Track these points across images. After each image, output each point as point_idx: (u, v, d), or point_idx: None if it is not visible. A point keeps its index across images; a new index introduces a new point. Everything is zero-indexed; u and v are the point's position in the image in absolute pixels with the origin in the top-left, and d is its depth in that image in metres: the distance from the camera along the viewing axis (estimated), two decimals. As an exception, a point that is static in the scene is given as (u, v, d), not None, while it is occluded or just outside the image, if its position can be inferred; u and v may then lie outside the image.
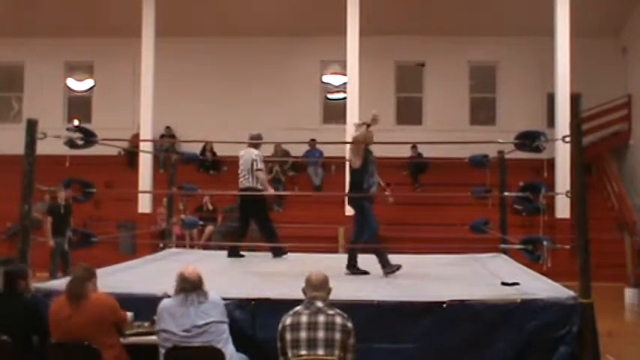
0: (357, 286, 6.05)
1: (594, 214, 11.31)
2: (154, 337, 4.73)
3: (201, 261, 8.09)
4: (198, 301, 4.62)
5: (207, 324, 4.58)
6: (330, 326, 4.23)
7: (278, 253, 8.54)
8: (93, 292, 4.71)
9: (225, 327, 4.70)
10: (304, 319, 4.27)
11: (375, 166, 6.95)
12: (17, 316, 4.56)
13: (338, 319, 4.27)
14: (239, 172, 8.58)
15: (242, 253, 8.70)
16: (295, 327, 4.26)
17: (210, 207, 14.63)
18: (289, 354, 4.24)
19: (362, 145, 6.80)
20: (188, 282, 4.66)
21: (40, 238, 9.28)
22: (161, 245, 9.93)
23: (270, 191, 8.58)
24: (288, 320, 4.32)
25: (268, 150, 15.54)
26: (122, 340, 4.75)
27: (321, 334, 4.21)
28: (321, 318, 4.26)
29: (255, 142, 8.65)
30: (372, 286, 6.17)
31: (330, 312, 4.31)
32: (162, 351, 4.56)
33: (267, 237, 8.69)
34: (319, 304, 4.33)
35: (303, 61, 17.59)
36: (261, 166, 8.46)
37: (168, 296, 4.79)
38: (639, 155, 16.01)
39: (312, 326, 4.23)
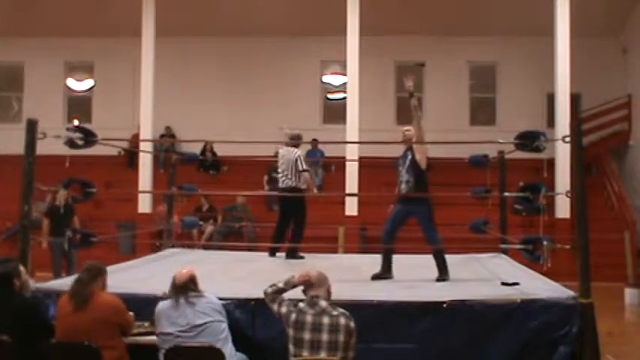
0: (357, 286, 6.05)
1: (594, 214, 11.30)
2: (153, 337, 4.73)
3: (201, 261, 8.10)
4: (193, 301, 4.63)
5: (205, 323, 4.59)
6: (334, 328, 4.22)
7: (293, 255, 8.48)
8: (100, 291, 4.71)
9: (224, 326, 4.71)
10: (309, 318, 4.26)
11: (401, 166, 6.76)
12: (16, 315, 4.55)
13: (342, 320, 4.26)
14: (280, 171, 8.57)
15: (302, 254, 8.59)
16: (299, 326, 4.25)
17: (207, 206, 14.63)
18: (291, 351, 4.24)
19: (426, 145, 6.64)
20: (181, 284, 4.67)
21: (39, 238, 9.30)
22: (157, 244, 9.94)
23: (315, 192, 8.51)
24: (292, 316, 4.31)
25: (270, 149, 15.54)
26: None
27: (324, 337, 4.20)
28: (326, 319, 4.24)
29: (296, 141, 8.69)
30: (372, 286, 6.17)
31: (335, 313, 4.29)
32: (162, 351, 4.57)
33: (295, 237, 8.63)
34: (323, 303, 4.32)
35: (303, 61, 17.59)
36: (306, 166, 8.45)
37: (168, 297, 4.79)
38: (639, 155, 16.01)
39: (317, 327, 4.22)
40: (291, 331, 4.27)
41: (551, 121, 15.20)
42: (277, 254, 8.69)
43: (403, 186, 6.65)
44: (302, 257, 8.48)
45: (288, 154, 8.50)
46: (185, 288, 4.67)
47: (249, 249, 11.58)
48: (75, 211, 11.05)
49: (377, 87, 16.69)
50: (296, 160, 8.40)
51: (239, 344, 4.81)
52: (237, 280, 6.62)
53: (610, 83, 16.49)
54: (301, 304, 4.36)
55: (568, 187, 9.21)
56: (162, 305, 4.69)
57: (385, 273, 6.59)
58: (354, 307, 4.79)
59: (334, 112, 17.46)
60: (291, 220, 8.65)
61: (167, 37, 15.17)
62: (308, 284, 4.45)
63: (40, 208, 11.49)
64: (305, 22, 16.44)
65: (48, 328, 4.68)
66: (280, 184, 8.56)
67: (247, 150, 8.96)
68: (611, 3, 16.06)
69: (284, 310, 4.42)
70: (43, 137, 5.83)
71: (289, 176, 8.43)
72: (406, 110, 6.89)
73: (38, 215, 10.69)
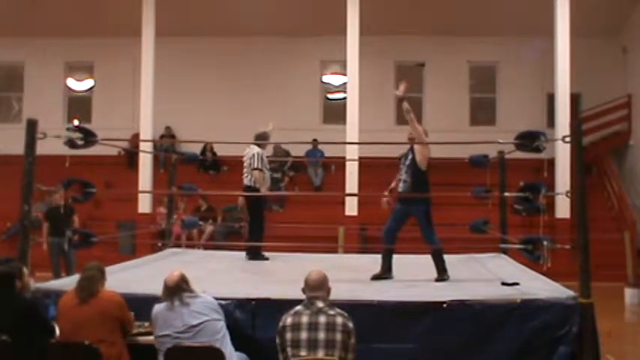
0: (357, 286, 6.05)
1: (594, 214, 11.29)
2: (153, 337, 4.73)
3: (201, 261, 8.11)
4: (186, 302, 4.62)
5: (201, 323, 4.59)
6: (330, 327, 4.22)
7: (253, 255, 8.46)
8: (102, 289, 4.78)
9: (221, 325, 4.70)
10: (305, 319, 4.26)
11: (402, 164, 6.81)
12: (16, 315, 4.55)
13: (339, 320, 4.26)
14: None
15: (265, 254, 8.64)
16: (296, 327, 4.25)
17: (205, 206, 14.63)
18: (289, 353, 4.23)
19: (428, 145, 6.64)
20: (173, 285, 4.66)
21: (39, 239, 9.29)
22: (159, 244, 9.94)
23: (263, 190, 8.49)
24: (288, 320, 4.31)
25: (271, 150, 15.55)
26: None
27: (321, 335, 4.20)
28: (322, 318, 4.25)
29: (258, 142, 8.62)
30: (372, 286, 6.17)
31: (331, 312, 4.30)
32: (161, 353, 4.56)
33: (249, 236, 8.68)
34: (320, 304, 4.32)
35: (303, 61, 17.59)
36: (258, 164, 8.41)
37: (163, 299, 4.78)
38: (639, 155, 16.01)
39: (313, 327, 4.22)
40: (289, 335, 4.25)
41: (551, 121, 15.20)
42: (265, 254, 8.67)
43: (401, 184, 6.71)
44: (266, 258, 8.46)
45: (249, 152, 8.55)
46: (178, 289, 4.65)
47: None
48: (75, 211, 11.04)
49: (377, 87, 16.69)
50: (250, 159, 8.44)
51: (239, 344, 4.81)
52: (237, 280, 6.62)
53: (610, 83, 16.49)
54: (297, 307, 4.36)
55: (568, 187, 9.20)
56: (157, 308, 4.68)
57: (385, 273, 6.60)
58: (354, 307, 4.80)
59: (334, 112, 17.47)
60: (252, 218, 8.66)
61: (167, 37, 15.17)
62: (307, 286, 4.43)
63: (39, 209, 11.48)
64: (305, 22, 16.43)
65: (48, 328, 4.70)
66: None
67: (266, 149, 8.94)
68: (611, 3, 16.06)
69: (281, 323, 4.37)
70: (43, 137, 5.83)
71: (246, 175, 8.51)
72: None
73: (38, 215, 10.69)
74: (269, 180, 8.81)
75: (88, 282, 4.72)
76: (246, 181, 8.53)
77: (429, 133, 6.97)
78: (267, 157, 8.99)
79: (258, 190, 8.44)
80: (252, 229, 8.67)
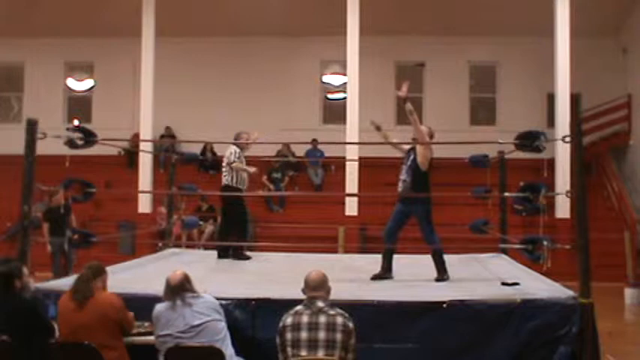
0: (357, 286, 6.05)
1: (594, 214, 11.29)
2: (153, 337, 4.72)
3: (200, 261, 8.10)
4: (189, 302, 4.62)
5: (203, 323, 4.57)
6: (331, 327, 4.22)
7: (237, 255, 8.42)
8: (101, 290, 4.75)
9: (222, 325, 4.69)
10: (305, 319, 4.26)
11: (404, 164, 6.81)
12: (16, 315, 4.55)
13: (339, 320, 4.26)
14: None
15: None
16: (296, 327, 4.25)
17: (206, 207, 14.63)
18: (289, 353, 4.23)
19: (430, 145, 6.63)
20: (175, 284, 4.65)
21: (39, 239, 9.30)
22: (159, 245, 9.94)
23: (251, 171, 8.37)
24: (288, 320, 4.30)
25: (270, 150, 15.57)
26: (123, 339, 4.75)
27: (322, 335, 4.20)
28: (322, 318, 4.25)
29: (235, 142, 8.53)
30: (372, 286, 6.17)
31: (332, 312, 4.29)
32: (161, 352, 4.56)
33: (220, 235, 8.63)
34: (320, 304, 4.32)
35: (303, 61, 17.60)
36: (234, 159, 8.32)
37: (165, 299, 4.77)
38: (639, 155, 16.01)
39: (313, 326, 4.22)
40: (289, 335, 4.25)
41: (551, 121, 15.20)
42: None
43: (400, 184, 6.70)
44: (248, 257, 8.43)
45: (227, 151, 8.51)
46: (180, 289, 4.64)
47: (249, 249, 11.57)
48: (72, 210, 11.02)
49: (377, 87, 16.68)
50: (227, 157, 8.40)
51: (239, 344, 4.80)
52: (237, 280, 6.62)
53: (610, 83, 16.48)
54: (298, 307, 4.36)
55: (568, 187, 9.21)
56: (159, 307, 4.67)
57: (385, 273, 6.60)
58: (354, 307, 4.79)
59: (334, 112, 17.48)
60: (232, 218, 8.60)
61: (167, 37, 15.18)
62: (307, 286, 4.43)
63: (39, 208, 11.48)
64: (305, 22, 16.44)
65: (47, 329, 4.69)
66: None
67: (247, 150, 8.93)
68: (611, 3, 16.06)
69: (281, 323, 4.38)
70: (43, 137, 5.82)
71: (224, 174, 8.44)
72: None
73: (38, 215, 10.69)
74: (246, 180, 8.68)
75: (83, 284, 4.68)
76: (224, 181, 8.45)
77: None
78: (270, 156, 8.94)
79: (236, 189, 8.39)
80: (226, 227, 8.61)
